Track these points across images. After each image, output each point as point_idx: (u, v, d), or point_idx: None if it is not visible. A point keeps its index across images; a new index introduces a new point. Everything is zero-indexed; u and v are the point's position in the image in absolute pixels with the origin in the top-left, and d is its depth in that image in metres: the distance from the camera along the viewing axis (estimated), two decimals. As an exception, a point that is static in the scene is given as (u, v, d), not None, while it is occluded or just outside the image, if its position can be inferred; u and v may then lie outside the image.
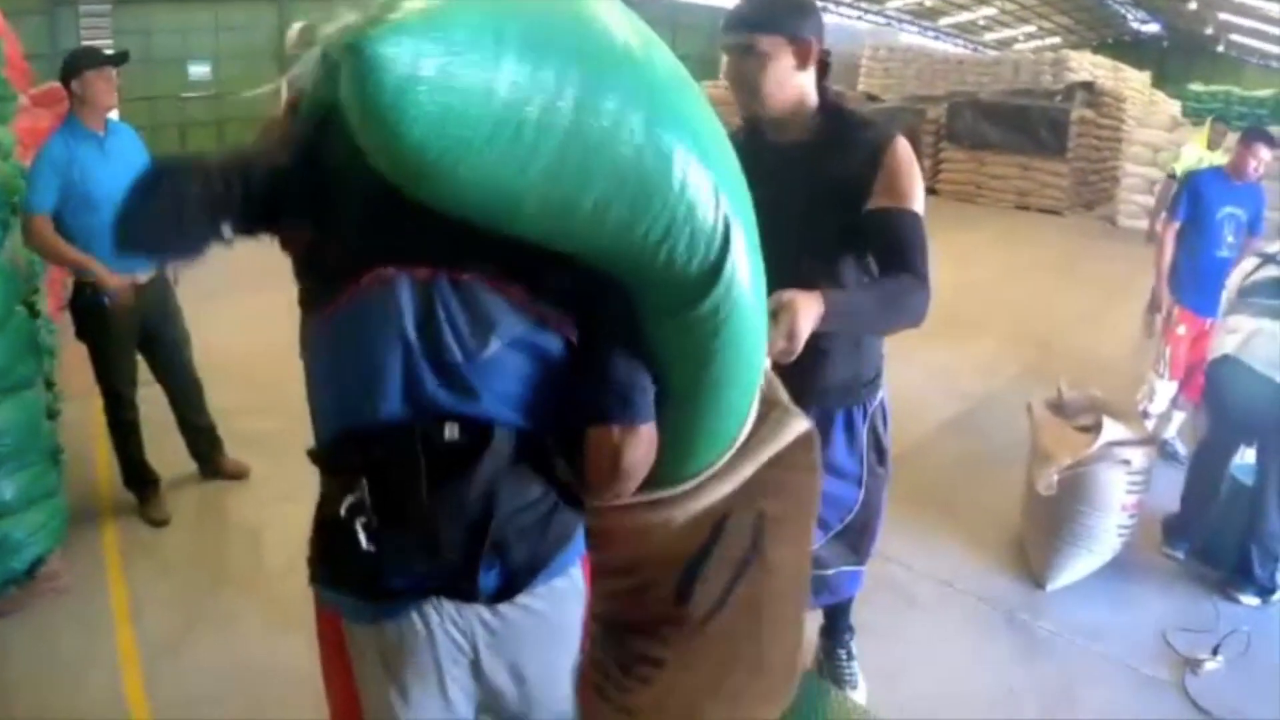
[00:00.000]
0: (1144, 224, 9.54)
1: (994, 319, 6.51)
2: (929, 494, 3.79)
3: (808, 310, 1.60)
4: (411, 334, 1.19)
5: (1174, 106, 10.54)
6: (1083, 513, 3.22)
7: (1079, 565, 3.28)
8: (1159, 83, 12.51)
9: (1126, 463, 3.15)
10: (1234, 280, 3.55)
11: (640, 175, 1.10)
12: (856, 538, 2.25)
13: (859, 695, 2.64)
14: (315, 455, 1.31)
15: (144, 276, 3.33)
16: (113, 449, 3.52)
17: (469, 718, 1.40)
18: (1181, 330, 4.18)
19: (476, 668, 1.35)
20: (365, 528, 1.22)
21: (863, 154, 1.88)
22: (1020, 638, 3.03)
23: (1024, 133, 10.05)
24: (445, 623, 1.30)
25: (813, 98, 1.95)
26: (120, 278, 3.22)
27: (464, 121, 0.99)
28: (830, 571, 2.23)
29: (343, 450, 1.26)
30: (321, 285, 1.24)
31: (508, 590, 1.30)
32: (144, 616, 2.95)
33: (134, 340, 3.39)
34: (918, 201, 1.87)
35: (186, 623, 2.91)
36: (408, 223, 1.14)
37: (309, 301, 1.27)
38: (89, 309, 3.27)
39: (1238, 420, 3.28)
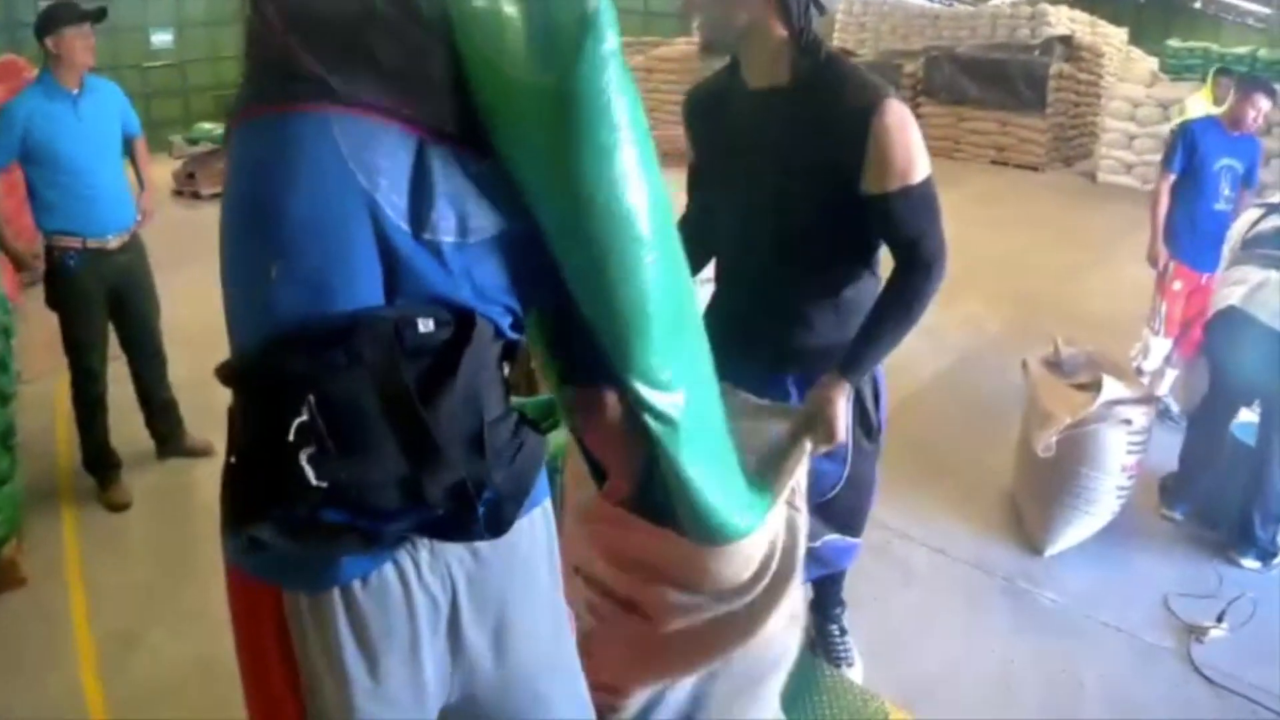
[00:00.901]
0: (1124, 179, 9.47)
1: (977, 275, 6.36)
2: (919, 453, 3.64)
3: (836, 406, 1.72)
4: (393, 199, 0.99)
5: (1151, 63, 10.36)
6: (1082, 474, 3.08)
7: (1077, 529, 3.14)
8: (1136, 39, 12.35)
9: (1127, 422, 3.01)
10: (1236, 231, 3.41)
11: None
12: (845, 513, 2.10)
13: (854, 673, 2.51)
14: (235, 371, 1.02)
15: (115, 242, 3.14)
16: (77, 428, 3.35)
17: (434, 713, 1.21)
18: (1177, 286, 4.04)
19: (455, 631, 1.16)
20: (313, 459, 0.95)
21: (847, 125, 1.69)
22: (1019, 607, 2.91)
23: (1002, 88, 9.86)
24: (424, 573, 1.10)
25: (784, 33, 1.73)
26: (90, 242, 3.09)
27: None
28: (818, 543, 2.08)
29: (279, 358, 0.98)
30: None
31: (496, 523, 1.09)
32: (103, 608, 2.79)
33: (103, 308, 3.23)
34: (919, 169, 1.70)
35: (147, 613, 2.74)
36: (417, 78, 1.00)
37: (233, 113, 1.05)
38: (57, 274, 3.11)
39: (1242, 375, 3.13)
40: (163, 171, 7.62)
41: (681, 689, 1.63)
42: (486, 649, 1.21)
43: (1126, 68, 10.16)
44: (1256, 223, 3.27)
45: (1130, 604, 2.90)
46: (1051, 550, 3.14)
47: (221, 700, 2.34)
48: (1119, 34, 11.42)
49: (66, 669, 2.54)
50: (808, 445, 1.69)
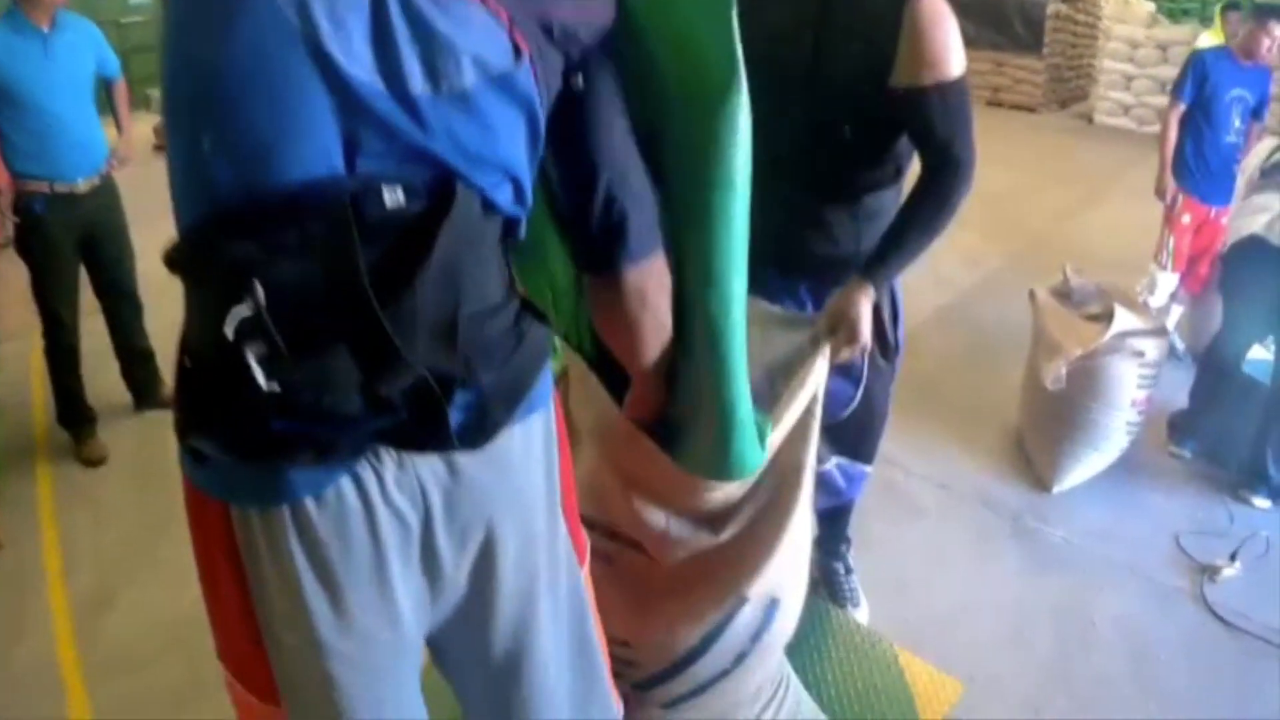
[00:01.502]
0: (1122, 121, 9.26)
1: (974, 211, 6.19)
2: (921, 389, 3.50)
3: (860, 307, 1.64)
4: (348, 44, 0.82)
5: (1149, 5, 10.06)
6: (1091, 409, 2.97)
7: (1086, 466, 3.04)
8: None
9: (1139, 355, 2.89)
10: (1252, 161, 3.26)
11: None
12: (855, 436, 1.98)
13: (860, 614, 2.41)
14: (172, 258, 0.89)
15: (84, 186, 2.99)
16: (50, 381, 3.20)
17: (417, 641, 1.08)
18: (1186, 219, 3.89)
19: (430, 557, 1.00)
20: (264, 359, 0.83)
21: (881, 14, 1.59)
22: (1028, 545, 2.80)
23: (998, 27, 9.59)
24: (389, 489, 0.95)
25: None
26: (58, 186, 2.94)
27: None
28: (827, 466, 1.96)
29: (220, 239, 0.84)
30: None
31: (479, 430, 0.96)
32: (79, 569, 2.67)
33: (74, 255, 3.08)
34: (954, 64, 1.60)
35: (124, 572, 2.63)
36: None
37: None
38: (25, 220, 2.95)
39: (1261, 307, 3.00)
40: (144, 128, 7.42)
41: (701, 667, 1.51)
42: (466, 580, 1.06)
43: (1124, 10, 9.91)
44: (1275, 151, 3.13)
45: (1141, 543, 2.80)
46: (1060, 487, 3.03)
47: (202, 659, 2.24)
48: (1116, -23, 11.10)
49: (40, 632, 2.43)
50: (827, 350, 1.57)
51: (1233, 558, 2.70)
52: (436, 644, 1.16)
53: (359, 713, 1.04)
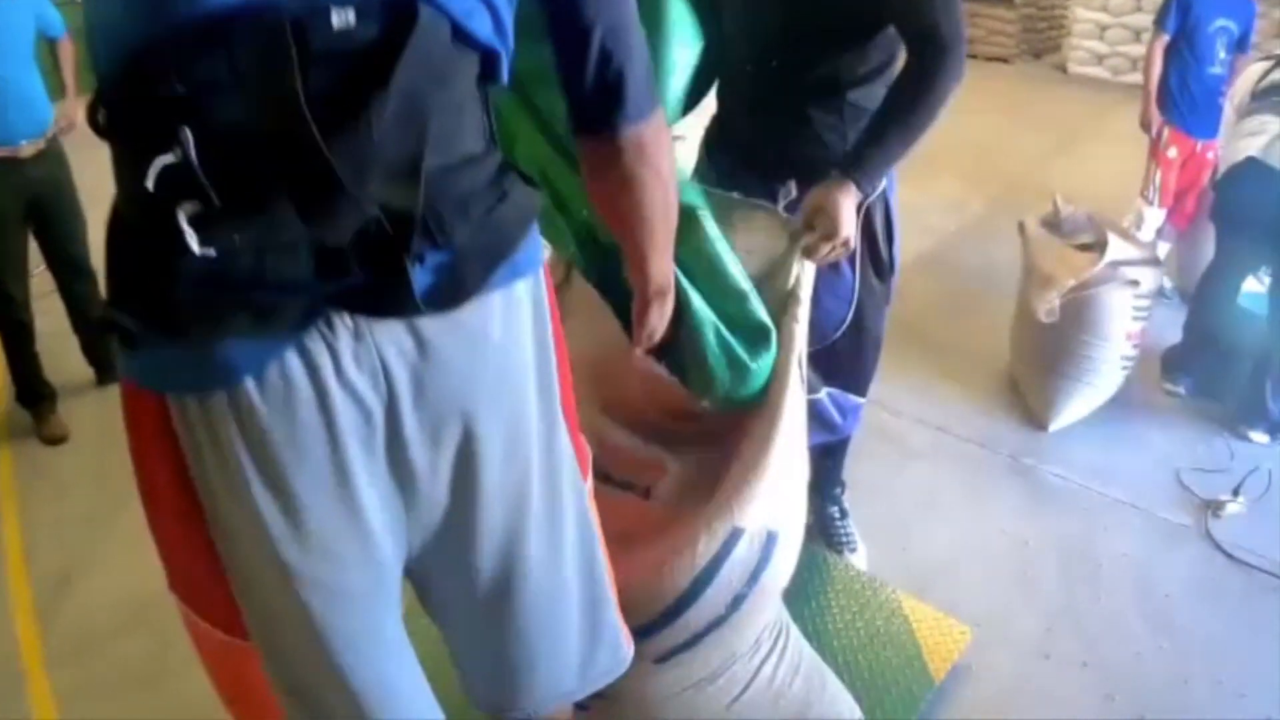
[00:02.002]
0: (1096, 70, 9.12)
1: (953, 158, 6.11)
2: (908, 333, 3.35)
3: (839, 200, 1.48)
4: None
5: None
6: (1085, 343, 2.86)
7: (1081, 403, 2.94)
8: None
9: (1134, 284, 2.78)
10: (1240, 89, 3.13)
11: None
12: (847, 363, 1.86)
13: (858, 559, 2.30)
14: (95, 112, 0.76)
15: (28, 149, 2.80)
16: (5, 360, 3.03)
17: (394, 568, 0.94)
18: (1172, 153, 3.77)
19: (397, 448, 0.87)
20: (197, 219, 0.71)
21: None
22: (1027, 485, 2.70)
23: (970, -20, 9.43)
24: (345, 367, 0.82)
25: None
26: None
27: None
28: (818, 395, 1.83)
29: (141, 82, 0.71)
30: None
31: (449, 292, 0.82)
32: (39, 548, 2.52)
33: (21, 224, 2.89)
34: None
35: (86, 550, 2.48)
36: None
37: None
38: None
39: (1257, 234, 2.89)
40: None
41: (695, 613, 1.38)
42: (446, 489, 0.91)
43: (1095, -42, 9.73)
44: (1267, 74, 3.00)
45: (1142, 480, 2.71)
46: (1055, 425, 2.93)
47: (167, 636, 2.10)
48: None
49: (1, 614, 2.29)
50: (804, 242, 1.44)
51: (1235, 493, 2.62)
52: (417, 577, 1.03)
53: (336, 650, 0.92)
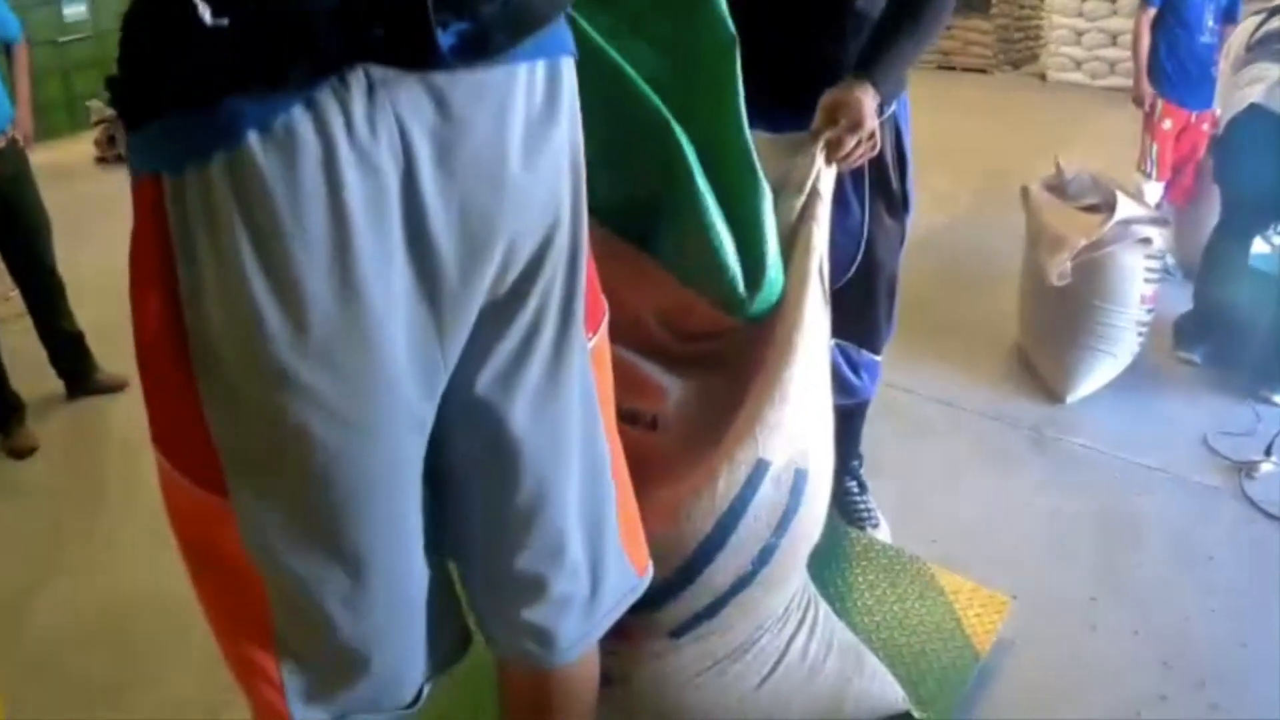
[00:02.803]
0: (1075, 76, 9.08)
1: (938, 157, 6.01)
2: (909, 314, 3.17)
3: (863, 100, 1.35)
4: None
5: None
6: (1100, 308, 2.69)
7: (1099, 371, 2.76)
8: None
9: (1146, 242, 2.62)
10: (1237, 41, 3.00)
11: None
12: (858, 310, 1.68)
13: (881, 535, 2.10)
14: None
15: None
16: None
17: (417, 405, 0.80)
18: (1167, 125, 3.63)
19: (416, 223, 0.73)
20: None
21: None
22: (1052, 456, 2.52)
23: (946, -8, 9.38)
24: (357, 123, 0.69)
25: None
26: None
27: None
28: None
29: None
30: None
31: (473, 47, 0.71)
32: (6, 560, 2.29)
33: None
34: None
35: (50, 563, 2.26)
36: None
37: None
38: None
39: (1264, 185, 2.73)
40: (85, 145, 7.11)
41: (717, 569, 1.18)
42: (475, 291, 0.78)
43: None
44: (1261, 25, 2.87)
45: (1169, 446, 2.53)
46: (1073, 396, 2.75)
47: (132, 649, 1.92)
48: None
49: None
50: (826, 135, 1.29)
51: (1268, 452, 2.45)
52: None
53: (335, 501, 0.78)
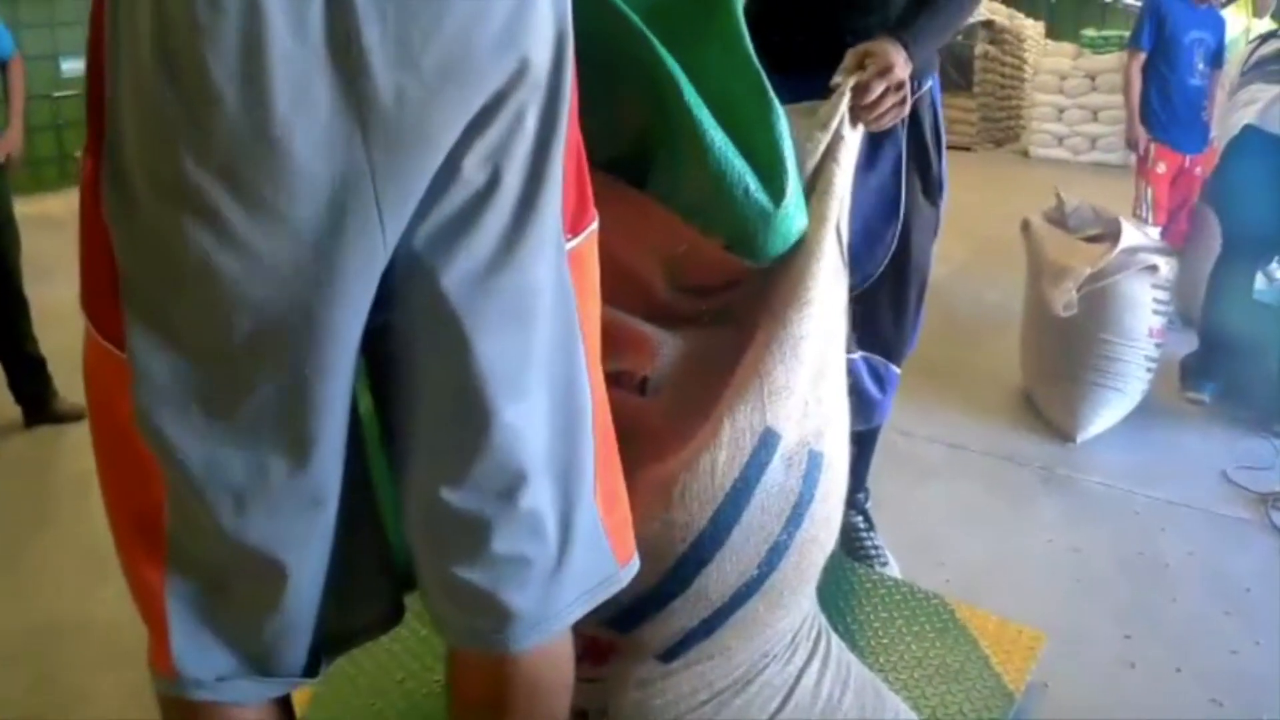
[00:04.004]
0: (1057, 152, 9.13)
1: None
2: (911, 360, 3.07)
3: (894, 52, 1.19)
4: None
5: (1071, 46, 10.04)
6: (1106, 343, 2.53)
7: (1108, 409, 2.59)
8: (1051, 33, 12.13)
9: (1153, 269, 2.48)
10: (1232, 67, 2.93)
11: None
12: (888, 313, 1.51)
13: (891, 574, 1.88)
14: None
15: None
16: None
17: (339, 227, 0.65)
18: (1161, 168, 3.56)
19: (340, 18, 0.60)
20: None
21: None
22: (1065, 494, 2.32)
23: (929, 70, 9.53)
24: None
25: None
26: None
27: None
28: (852, 355, 1.47)
29: None
30: None
31: None
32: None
33: None
34: None
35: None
36: None
37: None
38: None
39: (1265, 211, 2.62)
40: (74, 200, 7.10)
41: (716, 570, 0.98)
42: (425, 111, 0.64)
43: (1048, 48, 9.94)
44: (1254, 51, 2.81)
45: (1189, 482, 2.35)
46: (1083, 435, 2.57)
47: (49, 673, 1.67)
48: (1036, 27, 11.19)
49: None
50: (855, 78, 1.13)
51: (1292, 482, 2.26)
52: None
53: (242, 345, 0.66)
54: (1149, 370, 2.61)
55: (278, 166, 0.61)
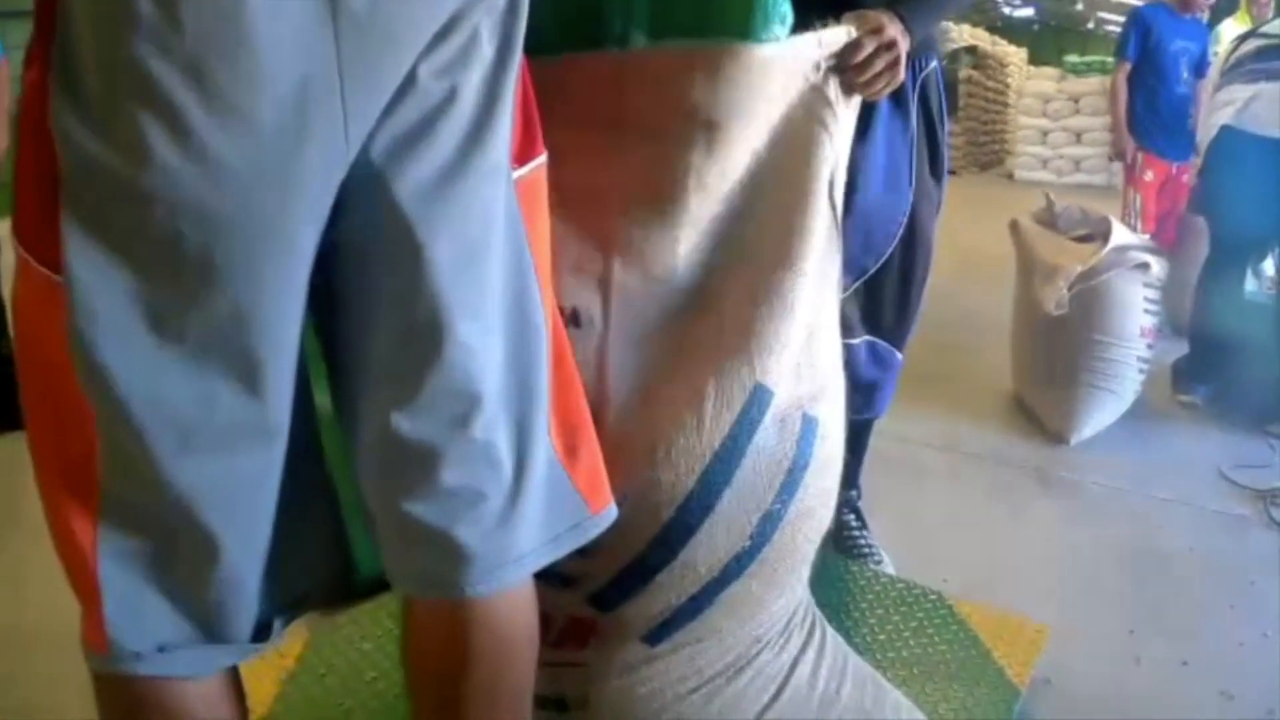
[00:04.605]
0: (1042, 175, 9.15)
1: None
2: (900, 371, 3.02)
3: (886, 18, 1.10)
4: None
5: (1054, 70, 10.13)
6: (1098, 343, 2.49)
7: (1101, 411, 2.54)
8: (1033, 60, 12.26)
9: (1144, 267, 2.44)
10: (1215, 69, 2.91)
11: None
12: (893, 292, 1.47)
13: (886, 572, 1.81)
14: None
15: None
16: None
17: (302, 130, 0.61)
18: (1149, 176, 3.55)
19: None
20: None
21: None
22: (1062, 494, 2.26)
23: (913, 96, 9.58)
24: None
25: None
26: None
27: None
28: (854, 340, 1.42)
29: None
30: None
31: None
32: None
33: None
34: None
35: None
36: None
37: None
38: None
39: (1248, 209, 2.60)
40: None
41: (704, 541, 0.91)
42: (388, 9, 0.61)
43: (1030, 73, 10.00)
44: (1234, 51, 2.79)
45: (1186, 480, 2.29)
46: (1077, 437, 2.51)
47: (17, 669, 1.63)
48: (1019, 53, 11.29)
49: None
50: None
51: (1291, 477, 2.22)
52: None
53: (191, 260, 0.61)
54: (1141, 371, 2.57)
55: (246, 64, 0.57)
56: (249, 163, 0.59)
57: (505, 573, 0.72)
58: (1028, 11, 21.47)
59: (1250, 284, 2.90)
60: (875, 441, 2.23)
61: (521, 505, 0.71)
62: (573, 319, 0.88)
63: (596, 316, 0.87)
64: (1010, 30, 14.85)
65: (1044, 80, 9.14)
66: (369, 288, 0.67)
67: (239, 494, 0.66)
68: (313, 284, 0.66)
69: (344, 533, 0.78)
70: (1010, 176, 9.50)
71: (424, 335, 0.66)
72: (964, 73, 9.45)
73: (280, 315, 0.63)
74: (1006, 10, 20.68)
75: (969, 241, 5.69)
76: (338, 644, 1.46)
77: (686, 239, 0.87)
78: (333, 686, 1.39)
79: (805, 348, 0.91)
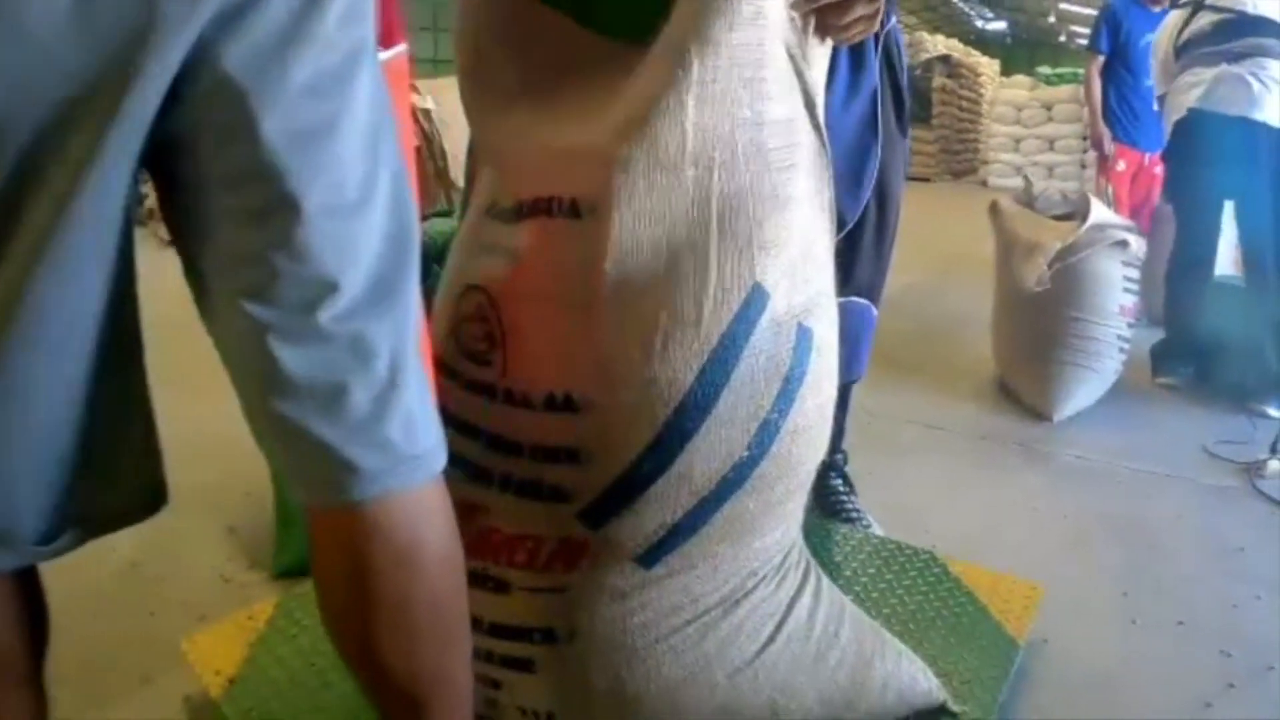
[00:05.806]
0: (1015, 182, 9.21)
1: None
2: (881, 354, 2.96)
3: None
4: None
5: (1027, 82, 10.19)
6: (1079, 321, 2.48)
7: (1083, 389, 2.53)
8: (1006, 72, 12.39)
9: (1122, 245, 2.43)
10: (1164, 38, 2.88)
11: None
12: (869, 248, 1.44)
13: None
14: None
15: None
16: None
17: None
18: (1121, 166, 3.59)
19: None
20: None
21: None
22: (1047, 467, 2.24)
23: (886, 101, 9.64)
24: None
25: None
26: None
27: None
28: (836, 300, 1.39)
29: None
30: None
31: None
32: None
33: None
34: None
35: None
36: None
37: None
38: None
39: (1216, 189, 2.61)
40: None
41: (702, 444, 0.85)
42: None
43: (1003, 82, 10.07)
44: (1184, 26, 2.76)
45: (1170, 454, 2.28)
46: (1059, 415, 2.50)
47: None
48: (992, 65, 11.40)
49: None
50: None
51: (1274, 450, 2.21)
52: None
53: None
54: (1122, 350, 2.56)
55: None
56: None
57: (392, 477, 0.65)
58: (1000, 25, 21.73)
59: (1220, 266, 2.89)
60: (860, 420, 2.19)
61: (400, 403, 0.65)
62: (572, 209, 0.82)
63: (598, 206, 0.81)
64: (983, 43, 14.97)
65: (1017, 88, 9.21)
66: (209, 171, 0.61)
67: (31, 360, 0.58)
68: (160, 176, 0.61)
69: (156, 449, 0.69)
70: (984, 184, 9.55)
71: (269, 215, 0.60)
72: (938, 81, 9.51)
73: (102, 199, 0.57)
74: (979, 24, 20.89)
75: (947, 244, 5.71)
76: (308, 606, 1.38)
77: (691, 135, 0.81)
78: (304, 646, 1.32)
79: (801, 261, 0.85)
